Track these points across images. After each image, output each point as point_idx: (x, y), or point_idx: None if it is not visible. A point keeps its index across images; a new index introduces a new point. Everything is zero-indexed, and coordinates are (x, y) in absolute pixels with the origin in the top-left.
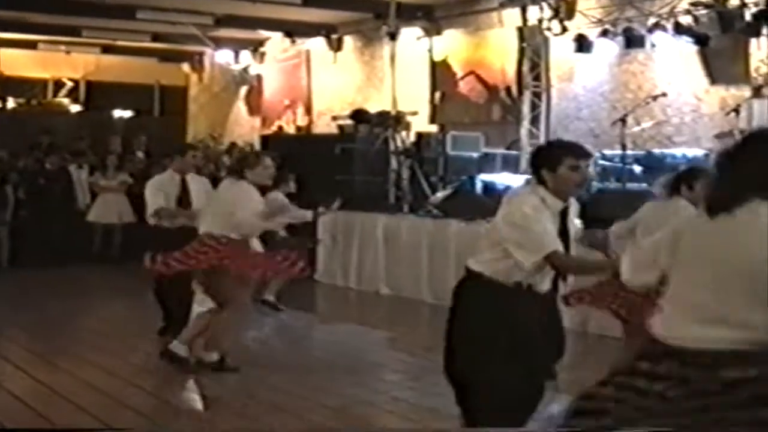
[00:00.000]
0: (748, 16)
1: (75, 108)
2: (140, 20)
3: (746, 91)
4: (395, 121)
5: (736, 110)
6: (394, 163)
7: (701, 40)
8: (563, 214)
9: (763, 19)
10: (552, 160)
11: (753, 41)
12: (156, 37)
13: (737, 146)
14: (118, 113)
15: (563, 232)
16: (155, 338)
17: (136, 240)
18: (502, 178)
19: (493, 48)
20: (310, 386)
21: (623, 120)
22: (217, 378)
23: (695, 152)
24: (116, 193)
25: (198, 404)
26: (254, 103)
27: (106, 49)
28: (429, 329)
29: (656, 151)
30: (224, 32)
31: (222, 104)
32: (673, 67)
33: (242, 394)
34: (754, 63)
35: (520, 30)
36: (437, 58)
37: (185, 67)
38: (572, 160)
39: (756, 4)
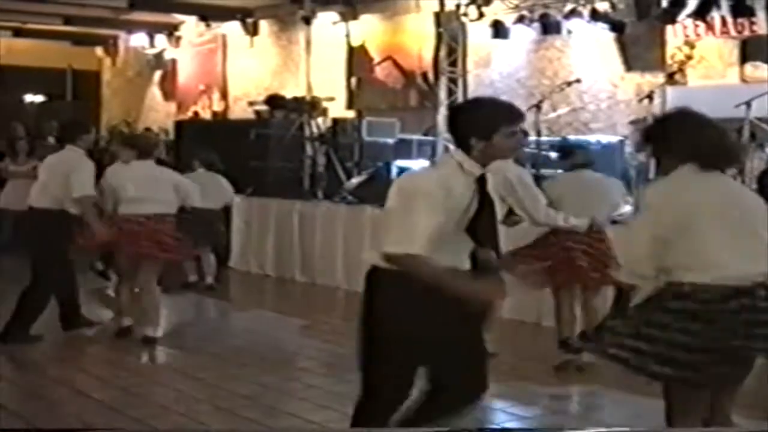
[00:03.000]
0: (664, 3)
1: None
2: (52, 3)
3: (661, 78)
4: (311, 106)
5: (650, 96)
6: (309, 149)
7: (617, 27)
8: (482, 180)
9: (678, 6)
10: (486, 128)
11: (669, 28)
12: (68, 21)
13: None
14: (29, 98)
15: (481, 198)
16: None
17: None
18: (417, 164)
19: (410, 33)
20: (223, 374)
21: (538, 106)
22: (129, 366)
23: (611, 138)
24: (27, 179)
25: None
26: (169, 88)
27: (17, 33)
28: (343, 316)
29: (572, 137)
30: (138, 16)
31: (136, 89)
32: (589, 53)
33: (154, 382)
34: (669, 50)
35: (437, 15)
36: (354, 43)
37: (98, 51)
38: (509, 126)
39: None
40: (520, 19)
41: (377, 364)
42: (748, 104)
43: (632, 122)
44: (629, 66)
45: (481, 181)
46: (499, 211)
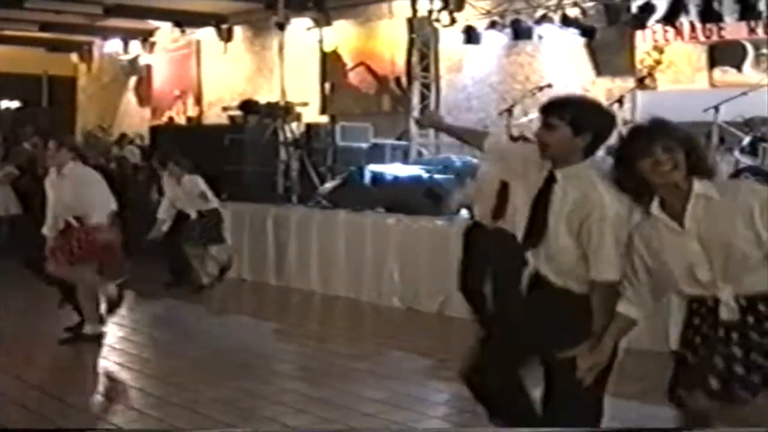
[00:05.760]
0: (633, 9)
1: None
2: (28, 9)
3: (631, 83)
4: (284, 111)
5: (620, 101)
6: (283, 154)
7: (588, 32)
8: (550, 179)
9: (648, 11)
10: None
11: (638, 33)
12: (44, 27)
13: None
14: (5, 104)
15: (541, 198)
16: (44, 332)
17: (22, 233)
18: (391, 169)
19: (382, 39)
20: (199, 378)
21: (509, 111)
22: (106, 371)
23: None
24: (2, 185)
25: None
26: (144, 94)
27: None
28: (318, 320)
29: None
30: (113, 22)
31: (111, 95)
32: (560, 58)
33: (130, 387)
34: (639, 55)
35: (410, 21)
36: (327, 48)
37: (74, 57)
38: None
39: None
40: (492, 25)
41: None
42: (716, 108)
43: None
44: (599, 71)
45: (550, 178)
46: (561, 235)
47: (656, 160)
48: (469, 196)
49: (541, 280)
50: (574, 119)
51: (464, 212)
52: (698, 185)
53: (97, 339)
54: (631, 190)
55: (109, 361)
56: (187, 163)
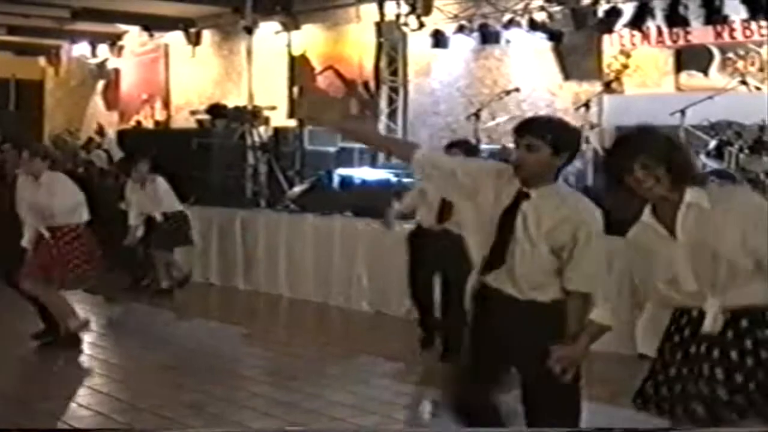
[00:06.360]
0: (600, 13)
1: None
2: None
3: (598, 86)
4: (252, 115)
5: (587, 105)
6: (251, 158)
7: (555, 37)
8: (518, 197)
9: (614, 15)
10: None
11: (605, 37)
12: (12, 30)
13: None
14: None
15: (508, 218)
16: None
17: None
18: (359, 173)
19: (351, 43)
20: (167, 383)
21: (477, 114)
22: (73, 376)
23: None
24: None
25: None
26: (112, 98)
27: None
28: (286, 324)
29: (511, 145)
30: (81, 26)
31: (79, 99)
32: (528, 62)
33: (96, 391)
34: (606, 59)
35: (378, 25)
36: (296, 52)
37: (42, 60)
38: (513, 135)
39: (608, 1)
40: (460, 29)
41: None
42: (682, 112)
43: None
44: (567, 75)
45: (519, 196)
46: (540, 253)
47: (635, 177)
48: (409, 206)
49: (496, 293)
50: (555, 139)
51: None
52: (690, 194)
53: (77, 335)
54: (625, 197)
55: (76, 365)
56: (151, 167)
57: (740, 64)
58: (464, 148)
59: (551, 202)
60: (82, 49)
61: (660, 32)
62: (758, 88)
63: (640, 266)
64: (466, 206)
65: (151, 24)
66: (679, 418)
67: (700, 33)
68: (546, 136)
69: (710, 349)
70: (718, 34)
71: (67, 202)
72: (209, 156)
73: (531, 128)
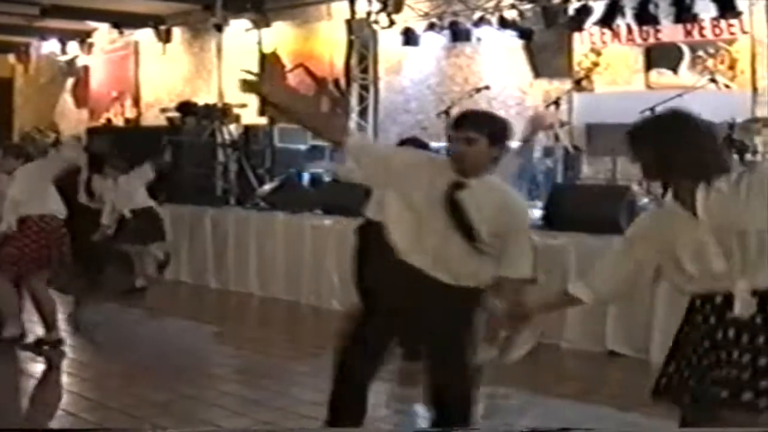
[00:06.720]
0: (571, 11)
1: None
2: None
3: (568, 84)
4: (222, 113)
5: (557, 103)
6: (221, 156)
7: (526, 35)
8: (452, 188)
9: (584, 13)
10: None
11: (575, 35)
12: None
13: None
14: None
15: (452, 204)
16: None
17: None
18: (330, 170)
19: (321, 40)
20: (136, 382)
21: (447, 112)
22: (37, 374)
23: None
24: None
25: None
26: (81, 95)
27: None
28: (256, 322)
29: None
30: (51, 23)
31: (49, 96)
32: (498, 60)
33: (65, 390)
34: (576, 57)
35: (349, 23)
36: (266, 50)
37: (11, 58)
38: (450, 130)
39: None
40: (431, 27)
41: None
42: (652, 110)
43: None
44: (537, 73)
45: (455, 187)
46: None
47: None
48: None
49: (424, 278)
50: (491, 132)
51: None
52: None
53: (57, 344)
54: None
55: (45, 364)
56: (121, 164)
57: (710, 62)
58: (416, 145)
59: (489, 192)
60: (51, 46)
61: (630, 30)
62: (728, 86)
63: (662, 250)
64: (392, 195)
65: (121, 21)
66: (700, 406)
67: (670, 31)
68: (483, 129)
69: (739, 333)
70: (688, 33)
71: (36, 190)
72: (179, 154)
73: (469, 122)
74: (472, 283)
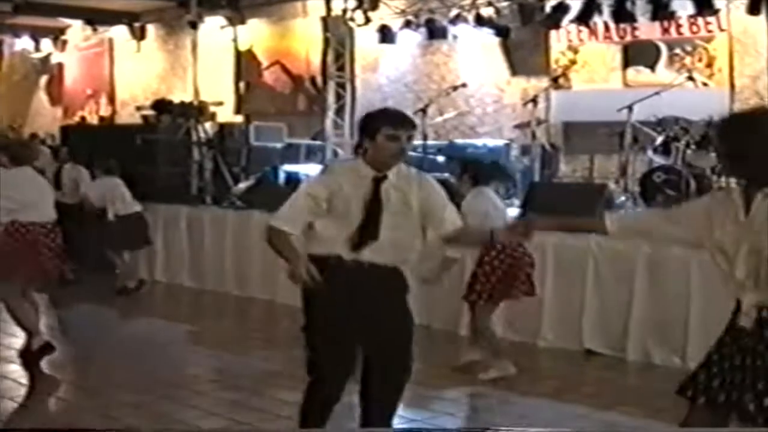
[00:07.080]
0: (547, 9)
1: None
2: None
3: (545, 82)
4: (198, 111)
5: (534, 101)
6: (196, 154)
7: (502, 32)
8: (377, 182)
9: (562, 11)
10: (371, 128)
11: (552, 33)
12: None
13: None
14: None
15: (374, 201)
16: None
17: None
18: (305, 169)
19: (297, 38)
20: (111, 382)
21: (424, 110)
22: (12, 376)
23: (497, 142)
24: None
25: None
26: (56, 93)
27: None
28: (233, 322)
29: (459, 141)
30: (24, 19)
31: (22, 94)
32: (475, 58)
33: (40, 392)
34: (553, 54)
35: (325, 20)
36: (242, 47)
37: None
38: (389, 129)
39: None
40: (407, 24)
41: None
42: (630, 108)
43: (517, 126)
44: (514, 70)
45: (377, 182)
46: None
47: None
48: None
49: (368, 267)
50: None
51: None
52: None
53: (45, 350)
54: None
55: (20, 365)
56: (103, 165)
57: (687, 60)
58: None
59: (407, 176)
60: (24, 43)
61: (607, 28)
62: (705, 84)
63: (707, 227)
64: (340, 200)
65: (95, 18)
66: (734, 411)
67: (647, 29)
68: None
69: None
70: (665, 30)
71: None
72: (154, 152)
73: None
74: (403, 264)
